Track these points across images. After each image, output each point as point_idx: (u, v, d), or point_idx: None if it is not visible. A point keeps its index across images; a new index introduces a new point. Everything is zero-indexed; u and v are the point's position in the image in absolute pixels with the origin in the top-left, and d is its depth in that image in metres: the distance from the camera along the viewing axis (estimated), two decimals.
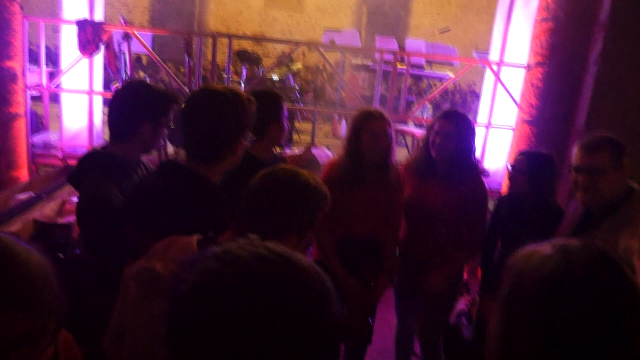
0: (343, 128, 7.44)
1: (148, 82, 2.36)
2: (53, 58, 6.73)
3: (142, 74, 9.66)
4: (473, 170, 2.77)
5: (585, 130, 4.00)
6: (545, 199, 2.66)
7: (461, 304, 3.77)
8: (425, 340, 3.09)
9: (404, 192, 2.86)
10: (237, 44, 17.95)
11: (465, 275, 4.35)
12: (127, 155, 2.03)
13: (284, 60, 5.54)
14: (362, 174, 2.74)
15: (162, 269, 1.32)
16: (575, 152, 2.22)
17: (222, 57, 7.83)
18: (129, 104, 2.00)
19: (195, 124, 1.70)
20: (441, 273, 2.84)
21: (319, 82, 11.13)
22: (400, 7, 14.00)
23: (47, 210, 3.10)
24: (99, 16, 5.05)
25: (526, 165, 2.67)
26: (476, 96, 9.63)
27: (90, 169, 1.98)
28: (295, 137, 6.77)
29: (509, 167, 2.77)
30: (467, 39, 17.40)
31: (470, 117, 2.89)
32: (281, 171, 1.49)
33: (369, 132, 2.66)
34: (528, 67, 4.46)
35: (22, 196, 3.73)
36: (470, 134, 2.73)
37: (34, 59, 5.33)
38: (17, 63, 4.24)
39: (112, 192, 1.90)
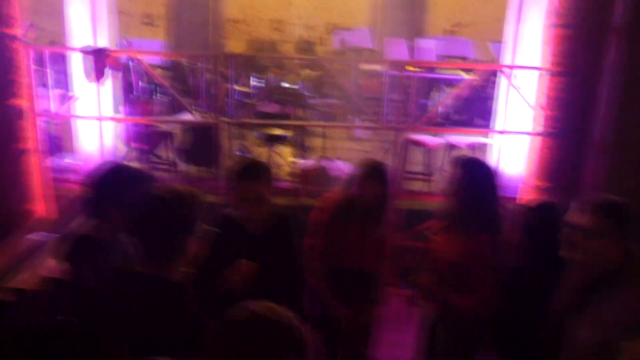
0: (358, 131, 7.33)
1: (124, 164, 2.37)
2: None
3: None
4: (489, 221, 2.66)
5: (603, 142, 3.85)
6: (549, 250, 2.53)
7: None
8: None
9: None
10: (254, 31, 17.88)
11: None
12: (102, 235, 2.11)
13: (294, 69, 5.48)
14: (356, 214, 2.92)
15: None
16: (572, 206, 2.13)
17: (238, 48, 7.77)
18: (98, 188, 2.12)
19: (141, 230, 1.77)
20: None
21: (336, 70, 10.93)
22: None
23: (52, 262, 3.12)
24: (103, 42, 5.03)
25: (525, 217, 2.57)
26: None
27: (72, 254, 2.11)
28: (308, 143, 6.67)
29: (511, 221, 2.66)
30: (487, 12, 16.93)
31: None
32: None
33: (365, 189, 2.84)
34: (540, 75, 4.28)
35: (34, 236, 3.78)
36: (484, 183, 2.66)
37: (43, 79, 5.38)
38: (23, 99, 4.26)
39: (86, 274, 1.99)
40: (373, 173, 2.85)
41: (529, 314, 2.49)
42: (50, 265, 3.15)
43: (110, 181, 2.11)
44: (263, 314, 1.31)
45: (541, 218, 2.56)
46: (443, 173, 5.59)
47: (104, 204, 2.09)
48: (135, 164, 5.23)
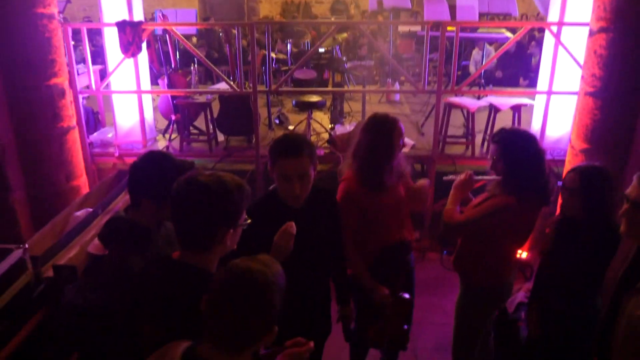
0: (397, 95, 7.17)
1: (165, 152, 2.36)
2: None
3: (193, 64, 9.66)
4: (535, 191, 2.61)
5: None
6: (602, 219, 2.44)
7: (521, 295, 3.65)
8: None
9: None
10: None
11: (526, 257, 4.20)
12: (145, 221, 2.12)
13: (330, 32, 5.34)
14: (385, 176, 2.77)
15: None
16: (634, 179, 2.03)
17: (273, 11, 7.63)
18: (137, 177, 2.13)
19: (180, 217, 1.73)
20: None
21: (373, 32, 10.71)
22: None
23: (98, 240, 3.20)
24: (138, 15, 5.02)
25: (579, 183, 2.45)
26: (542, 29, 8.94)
27: (115, 236, 2.13)
28: (346, 107, 6.59)
29: (562, 187, 2.56)
30: None
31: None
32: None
33: (399, 133, 2.72)
34: (590, 33, 4.04)
35: (80, 213, 3.88)
36: (511, 155, 2.59)
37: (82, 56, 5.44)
38: (62, 77, 4.32)
39: (133, 261, 2.01)
40: (393, 118, 2.72)
41: (579, 287, 2.44)
42: (96, 242, 3.24)
43: (147, 172, 2.11)
44: (239, 274, 1.46)
45: (582, 180, 2.46)
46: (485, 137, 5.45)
47: (139, 194, 2.11)
48: (175, 139, 5.28)
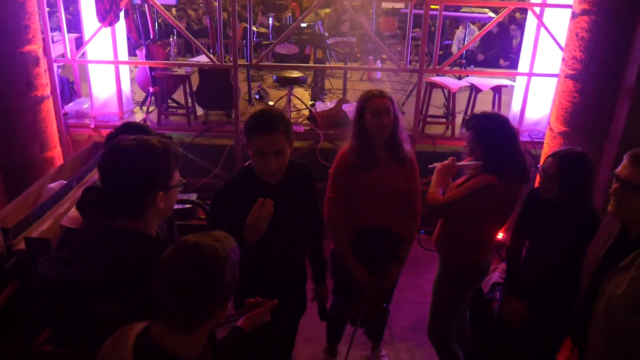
0: (378, 73, 7.13)
1: (142, 123, 2.31)
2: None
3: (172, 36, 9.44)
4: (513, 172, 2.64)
5: (637, 86, 3.66)
6: (580, 204, 2.46)
7: (496, 275, 3.69)
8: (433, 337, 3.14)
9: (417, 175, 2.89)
10: None
11: (502, 238, 4.25)
12: None
13: (313, 7, 5.26)
14: (372, 154, 2.75)
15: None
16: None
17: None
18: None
19: (108, 185, 1.67)
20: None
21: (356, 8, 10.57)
22: None
23: (73, 212, 3.15)
24: None
25: (557, 169, 2.46)
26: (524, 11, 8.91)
27: (90, 206, 2.16)
28: (327, 84, 6.53)
29: (540, 170, 2.57)
30: None
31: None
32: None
33: (370, 111, 2.68)
34: (573, 15, 4.04)
35: (54, 185, 3.80)
36: (488, 141, 2.61)
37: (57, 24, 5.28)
38: (37, 45, 4.18)
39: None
40: (373, 91, 2.72)
41: (561, 267, 2.46)
42: (70, 215, 3.18)
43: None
44: (186, 249, 1.39)
45: (560, 165, 2.46)
46: (464, 117, 5.45)
47: None
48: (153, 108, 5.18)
